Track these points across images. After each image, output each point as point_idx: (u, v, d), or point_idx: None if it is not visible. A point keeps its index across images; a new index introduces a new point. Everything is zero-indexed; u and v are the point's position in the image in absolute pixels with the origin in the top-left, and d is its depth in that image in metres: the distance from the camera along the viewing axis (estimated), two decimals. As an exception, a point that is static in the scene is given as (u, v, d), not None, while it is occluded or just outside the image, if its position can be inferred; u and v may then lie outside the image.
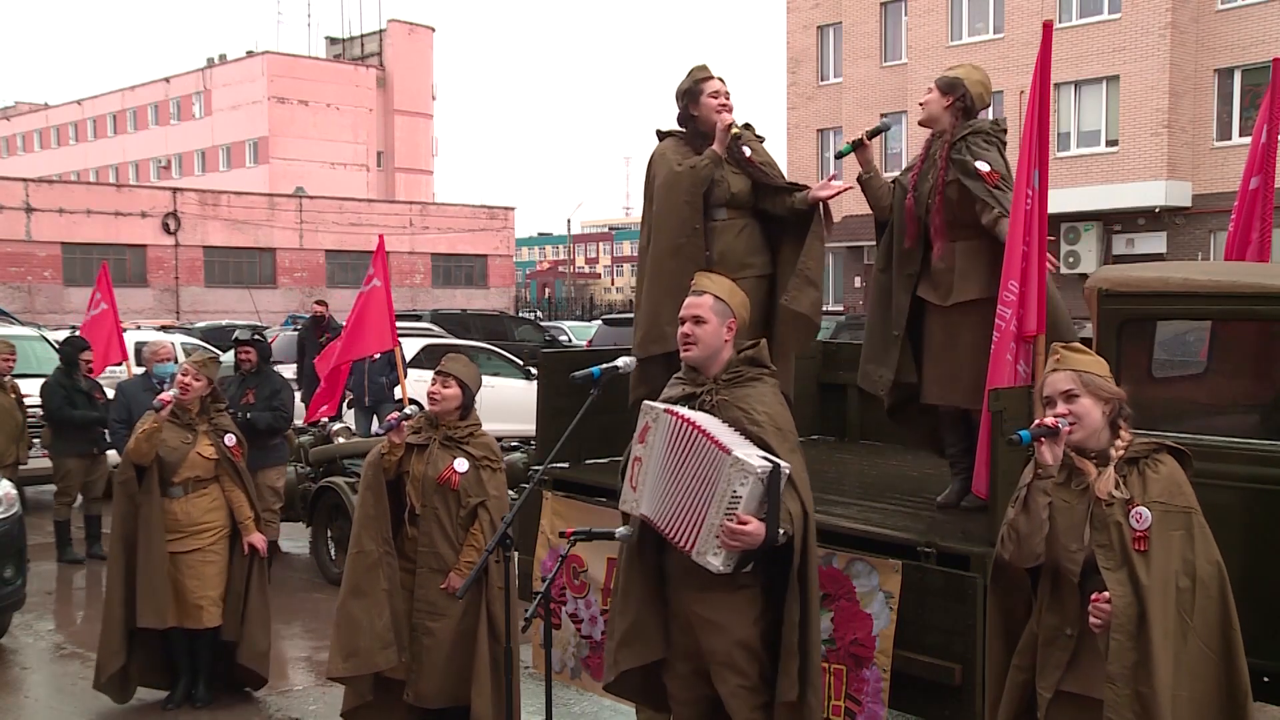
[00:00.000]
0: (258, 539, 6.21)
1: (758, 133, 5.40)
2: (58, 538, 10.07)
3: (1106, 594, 3.16)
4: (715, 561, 3.62)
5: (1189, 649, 3.13)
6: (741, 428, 3.76)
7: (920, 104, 5.12)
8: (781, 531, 3.61)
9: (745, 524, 3.53)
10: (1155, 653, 3.08)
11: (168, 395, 6.09)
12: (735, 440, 3.68)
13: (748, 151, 5.22)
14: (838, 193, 5.09)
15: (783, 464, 3.65)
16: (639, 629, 3.94)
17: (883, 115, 32.64)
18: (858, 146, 5.15)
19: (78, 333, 11.32)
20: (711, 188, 5.18)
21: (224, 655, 6.29)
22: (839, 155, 5.03)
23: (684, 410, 3.78)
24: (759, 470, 3.55)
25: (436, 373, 5.18)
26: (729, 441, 3.63)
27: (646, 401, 3.94)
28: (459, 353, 5.68)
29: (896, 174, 5.29)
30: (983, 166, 4.80)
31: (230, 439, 6.21)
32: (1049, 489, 3.31)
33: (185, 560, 6.07)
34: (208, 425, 6.18)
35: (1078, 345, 3.43)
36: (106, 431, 9.63)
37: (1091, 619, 3.21)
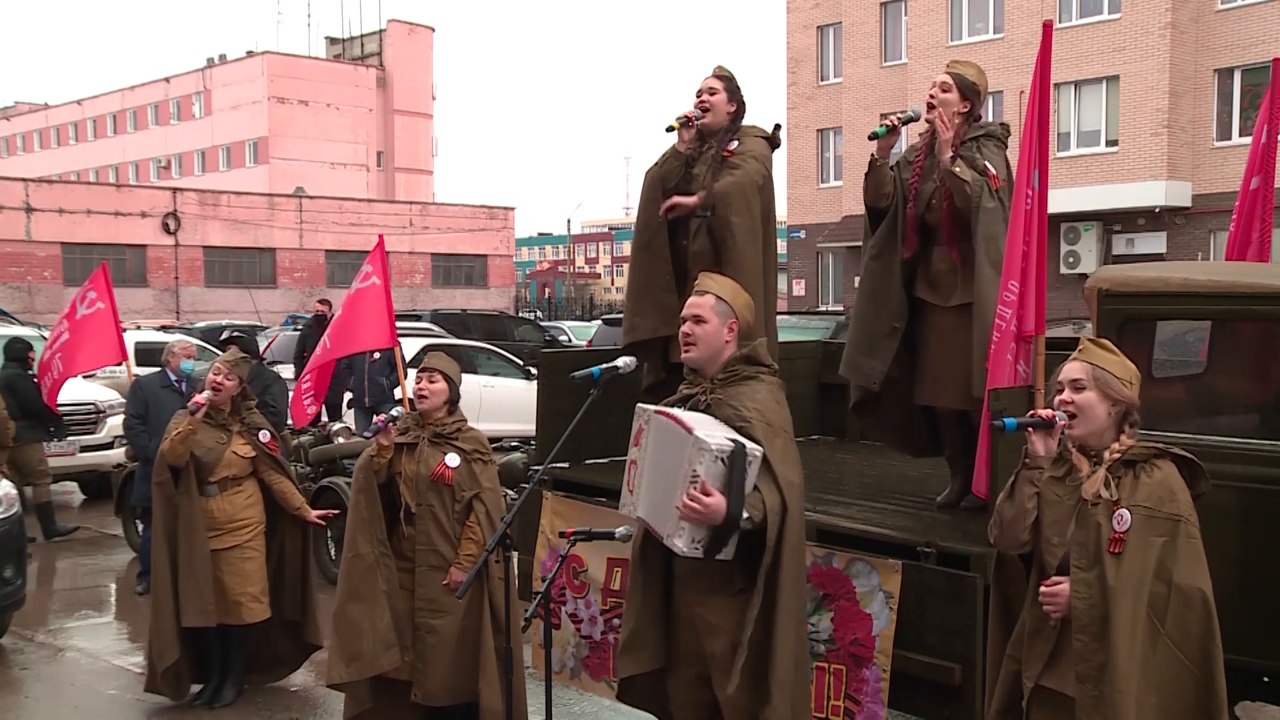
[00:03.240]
0: (313, 516, 6.34)
1: (762, 130, 5.34)
2: (42, 518, 10.60)
3: (1057, 579, 3.19)
4: (680, 543, 3.56)
5: (1159, 655, 3.10)
6: (731, 425, 3.75)
7: (934, 97, 4.97)
8: (746, 516, 3.55)
9: (708, 494, 3.49)
10: (1119, 656, 3.05)
11: (202, 398, 6.08)
12: (705, 423, 3.66)
13: (734, 145, 5.19)
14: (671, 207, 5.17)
15: (750, 445, 3.60)
16: (637, 637, 3.93)
17: (882, 115, 32.69)
18: (891, 131, 4.93)
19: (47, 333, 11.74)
20: (689, 185, 5.22)
21: (267, 645, 6.44)
22: (872, 137, 4.97)
23: (675, 410, 3.78)
24: (715, 449, 3.51)
25: (420, 370, 5.20)
26: (694, 423, 3.61)
27: (640, 405, 3.94)
28: (439, 350, 5.71)
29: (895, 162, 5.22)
30: (990, 168, 4.80)
31: (265, 434, 6.29)
32: (1036, 479, 3.32)
33: (224, 557, 6.10)
34: (240, 425, 6.24)
35: (1105, 342, 3.39)
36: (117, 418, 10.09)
37: (1045, 606, 3.23)
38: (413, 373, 6.03)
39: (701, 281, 4.05)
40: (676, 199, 5.18)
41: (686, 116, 5.20)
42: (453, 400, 5.21)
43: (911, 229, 4.99)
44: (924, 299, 5.07)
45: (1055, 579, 3.23)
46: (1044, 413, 3.31)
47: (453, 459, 5.07)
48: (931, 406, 5.20)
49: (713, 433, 3.60)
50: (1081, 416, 3.24)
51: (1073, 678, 3.21)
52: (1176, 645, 3.11)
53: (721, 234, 5.09)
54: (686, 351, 3.91)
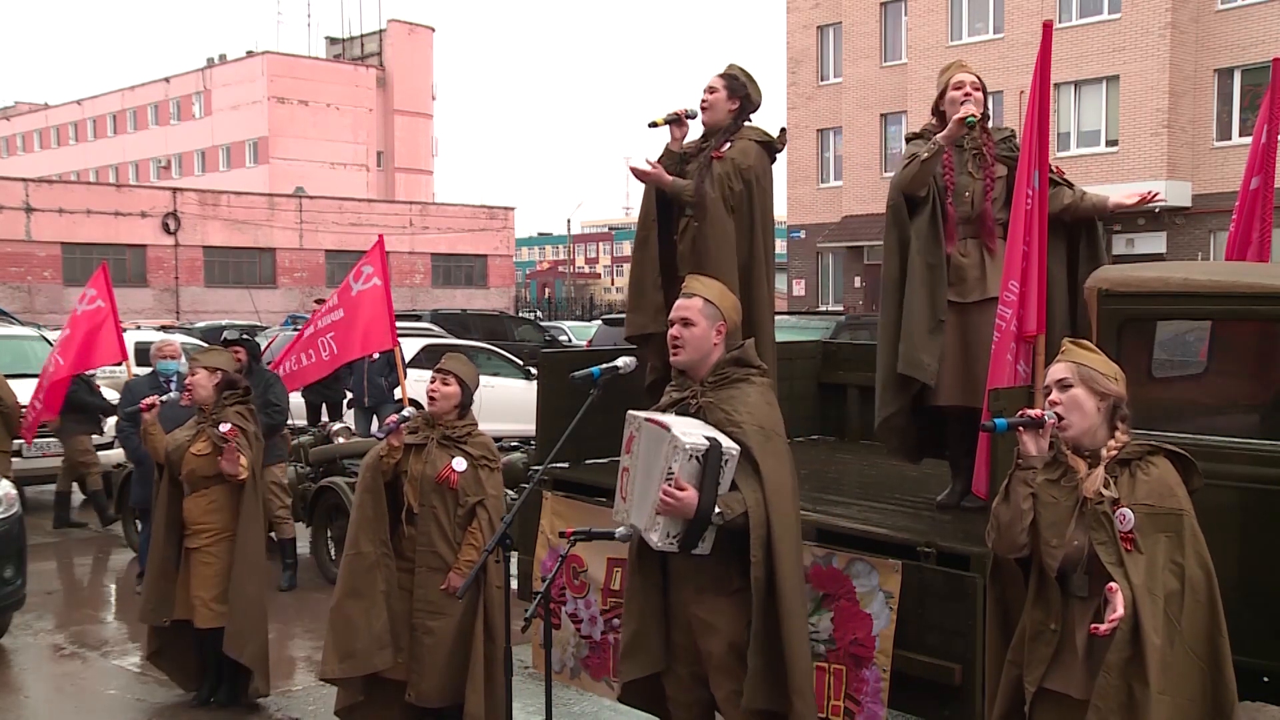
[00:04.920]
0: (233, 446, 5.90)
1: (762, 133, 5.33)
2: (57, 507, 11.13)
3: (1114, 586, 3.12)
4: (654, 537, 3.67)
5: (1175, 652, 3.12)
6: (723, 429, 3.77)
7: (969, 95, 4.93)
8: (717, 512, 3.63)
9: (683, 490, 3.59)
10: (1149, 653, 3.07)
11: (146, 401, 6.10)
12: (685, 423, 3.73)
13: (726, 147, 5.17)
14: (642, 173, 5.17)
15: (726, 444, 3.66)
16: (640, 641, 3.95)
17: (883, 115, 32.79)
18: (974, 125, 4.90)
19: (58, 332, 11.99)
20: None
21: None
22: (968, 125, 4.93)
23: (662, 416, 3.80)
24: (689, 447, 3.61)
25: (436, 371, 5.20)
26: (671, 423, 3.70)
27: (630, 412, 3.95)
28: (458, 352, 5.71)
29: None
30: None
31: (224, 426, 5.97)
32: (1030, 480, 3.32)
33: (191, 557, 6.09)
34: (209, 422, 6.08)
35: (1086, 342, 3.43)
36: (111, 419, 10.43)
37: (1114, 612, 3.11)
38: (414, 372, 6.02)
39: (689, 284, 4.05)
40: (634, 167, 5.19)
41: (677, 114, 5.21)
42: (465, 404, 5.20)
43: (953, 224, 4.98)
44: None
45: (1113, 585, 3.13)
46: (1033, 412, 3.33)
47: (459, 463, 5.06)
48: (932, 407, 5.16)
49: (689, 431, 3.68)
50: (1072, 414, 3.26)
51: (1076, 680, 3.21)
52: (1189, 644, 3.14)
53: (698, 242, 5.11)
54: (675, 354, 3.94)
